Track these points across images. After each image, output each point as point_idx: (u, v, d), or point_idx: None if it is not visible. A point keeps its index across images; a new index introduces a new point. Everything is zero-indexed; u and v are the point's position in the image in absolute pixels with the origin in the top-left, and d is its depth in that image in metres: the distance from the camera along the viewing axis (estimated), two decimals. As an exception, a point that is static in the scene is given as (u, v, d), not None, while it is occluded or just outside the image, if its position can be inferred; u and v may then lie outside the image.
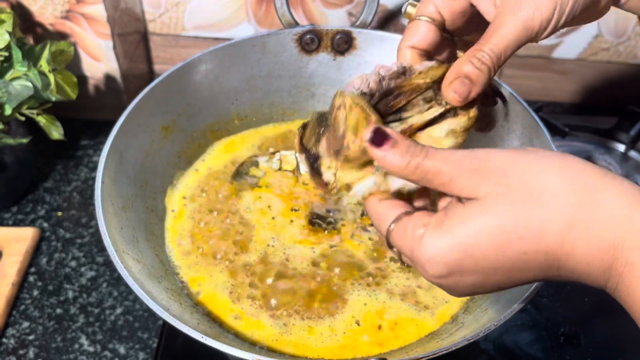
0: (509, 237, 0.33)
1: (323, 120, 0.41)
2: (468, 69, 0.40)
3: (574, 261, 0.33)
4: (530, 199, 0.33)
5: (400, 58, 0.45)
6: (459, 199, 0.35)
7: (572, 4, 0.40)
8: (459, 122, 0.41)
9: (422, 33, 0.44)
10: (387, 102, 0.40)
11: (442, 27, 0.44)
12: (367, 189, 0.38)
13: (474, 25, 0.45)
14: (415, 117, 0.40)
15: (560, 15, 0.40)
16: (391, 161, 0.35)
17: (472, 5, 0.44)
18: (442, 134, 0.41)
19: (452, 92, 0.40)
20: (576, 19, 0.42)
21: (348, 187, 0.39)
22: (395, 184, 0.38)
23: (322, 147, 0.41)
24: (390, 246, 0.38)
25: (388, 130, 0.36)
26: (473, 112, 0.41)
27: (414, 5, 0.45)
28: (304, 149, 0.41)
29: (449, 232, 0.34)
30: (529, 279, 0.35)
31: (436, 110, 0.40)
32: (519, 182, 0.33)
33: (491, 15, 0.42)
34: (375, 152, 0.36)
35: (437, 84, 0.41)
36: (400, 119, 0.41)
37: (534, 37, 0.41)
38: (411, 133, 0.40)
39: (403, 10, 0.47)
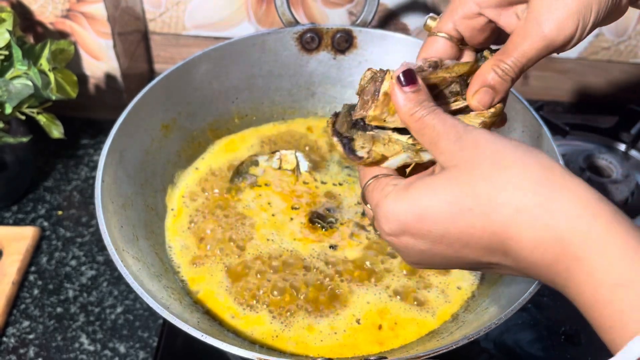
0: (461, 208, 0.35)
1: (353, 110, 0.44)
2: (492, 79, 0.42)
3: (519, 246, 0.34)
4: (490, 179, 0.34)
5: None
6: (432, 172, 0.38)
7: (595, 15, 0.41)
8: (484, 116, 0.43)
9: (439, 48, 0.46)
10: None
11: (460, 42, 0.46)
12: (401, 160, 0.42)
13: (493, 38, 0.46)
14: (442, 108, 0.42)
15: (583, 29, 0.41)
16: (405, 104, 0.39)
17: (491, 21, 0.44)
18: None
19: (477, 101, 0.42)
20: (599, 25, 0.43)
21: (384, 158, 0.42)
22: (427, 156, 0.41)
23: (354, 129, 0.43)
24: (365, 201, 0.42)
25: (418, 76, 0.39)
26: (499, 106, 0.43)
27: (434, 19, 0.47)
28: (337, 132, 0.44)
29: (411, 195, 0.37)
30: (475, 258, 0.37)
31: (461, 103, 0.43)
32: (487, 163, 0.35)
33: (512, 27, 0.43)
34: (396, 90, 0.39)
35: (462, 78, 0.43)
36: None
37: (557, 50, 0.42)
38: None
39: (424, 23, 0.48)
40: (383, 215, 0.38)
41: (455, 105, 0.43)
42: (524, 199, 0.33)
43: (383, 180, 0.40)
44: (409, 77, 0.39)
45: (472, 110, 0.43)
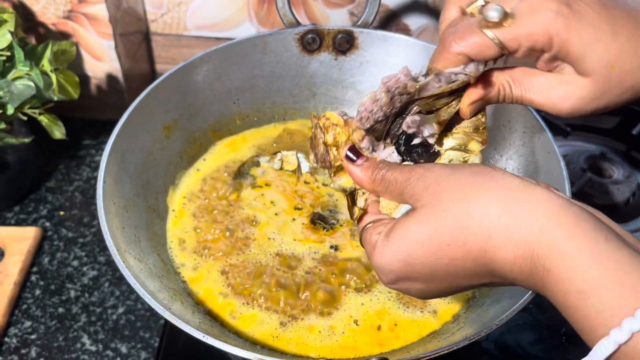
0: (439, 245, 0.37)
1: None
2: (493, 97, 0.45)
3: (500, 266, 0.35)
4: (457, 211, 0.36)
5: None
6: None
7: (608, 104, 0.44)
8: (467, 134, 0.46)
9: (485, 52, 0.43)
10: (410, 109, 0.44)
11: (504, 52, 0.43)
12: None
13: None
14: (443, 110, 0.45)
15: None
16: (363, 175, 0.42)
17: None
18: (470, 129, 0.46)
19: (470, 111, 0.45)
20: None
21: (344, 190, 0.46)
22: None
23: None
24: (363, 244, 0.44)
25: (361, 149, 0.43)
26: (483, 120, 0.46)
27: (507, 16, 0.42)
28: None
29: (393, 243, 0.39)
30: (470, 284, 0.38)
31: (448, 112, 0.45)
32: (451, 197, 0.37)
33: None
34: (352, 168, 0.43)
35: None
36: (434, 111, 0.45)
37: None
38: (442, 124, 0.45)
39: (486, 14, 0.42)
40: (378, 268, 0.40)
41: (444, 115, 0.45)
42: (493, 222, 0.35)
43: (370, 231, 0.42)
44: (355, 152, 0.43)
45: (455, 124, 0.46)
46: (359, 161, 0.43)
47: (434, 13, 0.83)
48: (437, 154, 0.46)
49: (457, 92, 0.44)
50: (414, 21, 0.84)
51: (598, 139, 0.82)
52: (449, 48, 0.43)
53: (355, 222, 0.45)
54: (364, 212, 0.44)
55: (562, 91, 0.43)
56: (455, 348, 0.45)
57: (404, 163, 0.45)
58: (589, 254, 0.32)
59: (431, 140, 0.45)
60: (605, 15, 0.41)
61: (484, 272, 0.36)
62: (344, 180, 0.45)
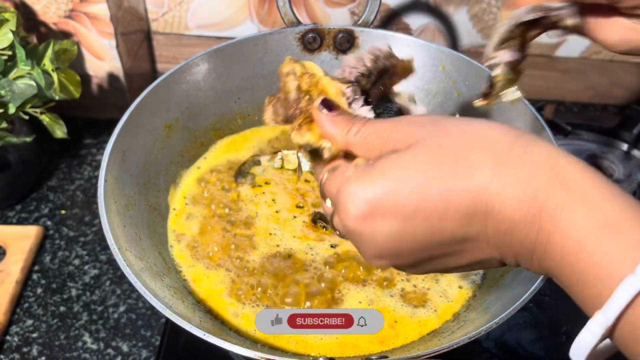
0: (439, 172, 0.32)
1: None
2: None
3: (503, 203, 0.31)
4: (462, 139, 0.33)
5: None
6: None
7: None
8: None
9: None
10: (383, 81, 0.45)
11: None
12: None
13: None
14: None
15: None
16: (334, 127, 0.38)
17: None
18: None
19: None
20: None
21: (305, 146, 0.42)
22: None
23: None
24: (323, 196, 0.39)
25: (335, 102, 0.40)
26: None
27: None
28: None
29: (379, 170, 0.34)
30: (451, 232, 0.33)
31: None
32: (456, 129, 0.34)
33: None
34: (322, 118, 0.39)
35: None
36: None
37: None
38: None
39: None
40: (348, 198, 0.35)
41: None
42: (503, 153, 0.32)
43: (342, 167, 0.37)
44: (330, 104, 0.39)
45: None
46: (333, 112, 0.39)
47: (435, 12, 0.83)
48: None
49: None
50: (415, 20, 0.84)
51: (599, 138, 0.82)
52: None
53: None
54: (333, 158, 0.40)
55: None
56: (455, 346, 0.45)
57: None
58: (612, 191, 0.30)
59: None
60: None
61: (479, 212, 0.32)
62: (309, 135, 0.40)
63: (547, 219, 0.30)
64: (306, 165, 0.67)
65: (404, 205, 0.33)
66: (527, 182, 0.31)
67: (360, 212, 0.34)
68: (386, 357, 0.45)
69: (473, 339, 0.45)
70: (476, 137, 0.33)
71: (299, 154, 0.67)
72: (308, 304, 0.56)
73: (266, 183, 0.66)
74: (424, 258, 0.36)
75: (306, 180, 0.66)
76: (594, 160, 0.76)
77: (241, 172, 0.67)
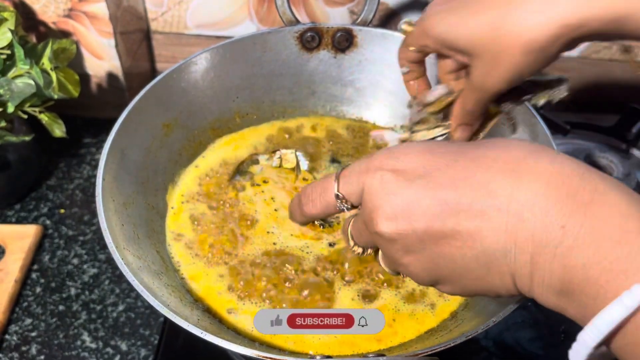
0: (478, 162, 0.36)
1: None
2: (465, 120, 0.51)
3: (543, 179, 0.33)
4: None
5: (400, 66, 0.55)
6: None
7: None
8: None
9: (410, 56, 0.53)
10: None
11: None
12: None
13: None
14: (423, 132, 0.54)
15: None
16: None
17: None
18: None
19: (458, 136, 0.53)
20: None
21: None
22: None
23: None
24: (350, 236, 0.43)
25: None
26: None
27: (410, 25, 0.52)
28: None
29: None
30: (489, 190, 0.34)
31: (441, 131, 0.54)
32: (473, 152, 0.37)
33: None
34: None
35: (445, 110, 0.53)
36: (412, 130, 0.56)
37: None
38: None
39: (398, 27, 0.54)
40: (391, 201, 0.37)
41: (435, 132, 0.54)
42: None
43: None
44: None
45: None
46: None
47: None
48: None
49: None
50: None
51: (597, 137, 0.82)
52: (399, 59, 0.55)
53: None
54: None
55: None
56: (452, 345, 0.45)
57: None
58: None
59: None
60: None
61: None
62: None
63: (588, 200, 0.32)
64: (304, 164, 0.67)
65: (442, 154, 0.38)
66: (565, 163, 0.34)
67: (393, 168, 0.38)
68: (383, 355, 0.45)
69: (470, 337, 0.45)
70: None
71: (297, 153, 0.67)
72: (305, 293, 0.56)
73: (264, 182, 0.66)
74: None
75: (304, 179, 0.66)
76: (592, 160, 0.76)
77: (239, 171, 0.67)
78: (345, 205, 0.41)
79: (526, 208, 0.32)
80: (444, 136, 0.55)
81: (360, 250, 0.43)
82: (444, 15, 0.47)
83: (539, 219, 0.32)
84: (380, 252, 0.42)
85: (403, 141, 0.59)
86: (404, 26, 0.54)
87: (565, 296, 0.33)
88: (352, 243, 0.43)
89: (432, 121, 0.54)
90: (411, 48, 0.52)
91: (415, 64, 0.55)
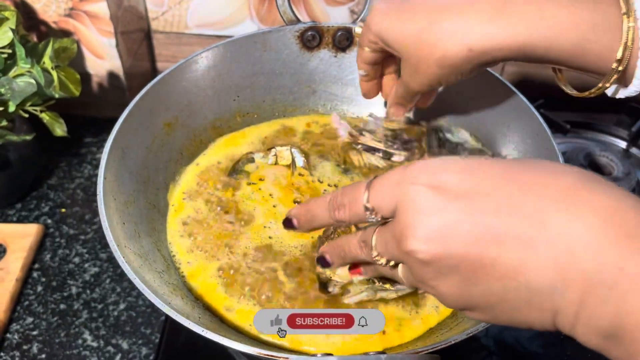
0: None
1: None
2: (397, 101, 0.60)
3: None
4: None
5: (358, 69, 0.61)
6: None
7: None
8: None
9: (367, 57, 0.58)
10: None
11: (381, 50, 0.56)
12: (359, 299, 0.54)
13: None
14: (368, 138, 0.64)
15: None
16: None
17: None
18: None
19: (393, 112, 0.62)
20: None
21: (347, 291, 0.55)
22: (383, 294, 0.54)
23: None
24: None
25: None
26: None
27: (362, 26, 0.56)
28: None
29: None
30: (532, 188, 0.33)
31: (384, 148, 0.63)
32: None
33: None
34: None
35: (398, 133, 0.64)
36: (361, 133, 0.65)
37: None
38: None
39: (354, 30, 0.59)
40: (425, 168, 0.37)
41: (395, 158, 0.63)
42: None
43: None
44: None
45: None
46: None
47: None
48: None
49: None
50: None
51: (598, 136, 0.82)
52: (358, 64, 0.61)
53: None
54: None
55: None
56: (453, 342, 0.45)
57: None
58: None
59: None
60: None
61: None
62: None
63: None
64: (300, 160, 0.67)
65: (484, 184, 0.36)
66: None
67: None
68: (384, 352, 0.46)
69: (471, 335, 0.45)
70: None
71: (292, 150, 0.67)
72: (295, 283, 0.56)
73: (260, 179, 0.66)
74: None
75: (300, 174, 0.66)
76: (592, 159, 0.77)
77: (235, 169, 0.67)
78: (375, 217, 0.39)
79: (580, 244, 0.31)
80: (381, 153, 0.63)
81: (384, 261, 0.40)
82: (382, 17, 0.52)
83: (593, 257, 0.30)
84: (401, 266, 0.40)
85: (350, 134, 0.66)
86: (357, 29, 0.58)
87: (612, 340, 0.31)
88: (375, 253, 0.40)
89: (381, 136, 0.63)
90: (366, 49, 0.56)
91: (371, 67, 0.59)
